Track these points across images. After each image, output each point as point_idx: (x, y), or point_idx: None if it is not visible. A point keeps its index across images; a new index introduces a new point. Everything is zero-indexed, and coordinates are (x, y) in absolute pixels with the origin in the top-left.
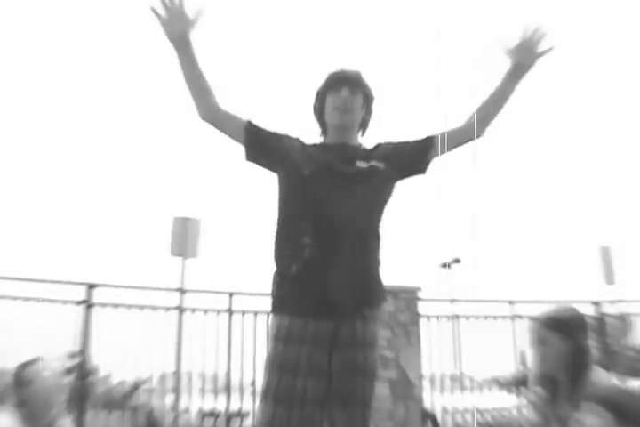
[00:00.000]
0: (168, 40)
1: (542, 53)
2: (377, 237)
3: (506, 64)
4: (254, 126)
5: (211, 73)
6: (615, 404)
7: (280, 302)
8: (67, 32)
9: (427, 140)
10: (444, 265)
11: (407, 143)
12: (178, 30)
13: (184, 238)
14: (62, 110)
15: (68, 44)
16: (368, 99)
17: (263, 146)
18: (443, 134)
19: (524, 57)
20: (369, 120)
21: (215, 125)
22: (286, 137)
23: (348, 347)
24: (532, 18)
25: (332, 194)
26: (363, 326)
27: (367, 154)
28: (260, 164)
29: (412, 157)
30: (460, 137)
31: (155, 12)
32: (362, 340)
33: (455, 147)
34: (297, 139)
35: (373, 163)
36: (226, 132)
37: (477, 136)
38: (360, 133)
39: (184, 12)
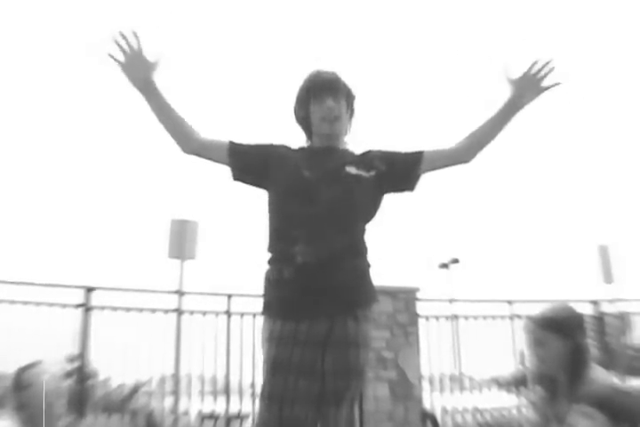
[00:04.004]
0: (132, 85)
1: (546, 88)
2: (364, 241)
3: (506, 93)
4: (237, 147)
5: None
6: (610, 403)
7: (271, 304)
8: (71, 35)
9: (417, 155)
10: (443, 265)
11: (398, 155)
12: (140, 75)
13: (182, 241)
14: (62, 114)
15: (70, 45)
16: (350, 99)
17: (249, 164)
18: (433, 152)
19: (527, 90)
20: (352, 118)
21: (200, 156)
22: (272, 146)
23: (341, 347)
24: (541, 51)
25: (323, 198)
26: (355, 327)
27: (356, 159)
28: (247, 183)
29: (401, 172)
30: (449, 158)
31: (113, 58)
32: (354, 340)
33: (443, 167)
34: (283, 146)
35: (363, 170)
36: (212, 160)
37: (466, 161)
38: (345, 135)
39: (143, 57)
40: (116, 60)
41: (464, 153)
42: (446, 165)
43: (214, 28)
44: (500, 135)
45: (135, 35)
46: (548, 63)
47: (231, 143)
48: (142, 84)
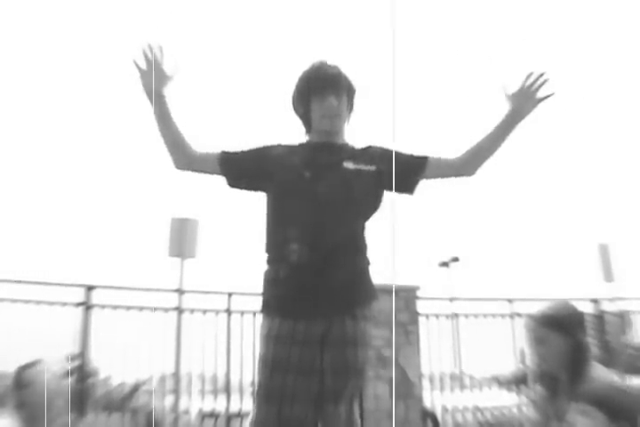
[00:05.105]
0: (144, 92)
1: (541, 100)
2: (364, 238)
3: (504, 108)
4: (228, 156)
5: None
6: (609, 402)
7: (269, 303)
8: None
9: (421, 160)
10: (443, 264)
11: (400, 155)
12: (154, 83)
13: (182, 239)
14: (62, 113)
15: (69, 42)
16: (350, 93)
17: (243, 170)
18: (438, 160)
19: (524, 103)
20: (351, 112)
21: (194, 170)
22: (267, 148)
23: (339, 345)
24: (535, 64)
25: (321, 195)
26: (353, 325)
27: (355, 154)
28: (243, 188)
29: (402, 175)
30: (451, 169)
31: (135, 64)
32: (352, 338)
33: (445, 177)
34: (279, 145)
35: (362, 165)
36: (205, 172)
37: (468, 174)
38: (345, 128)
39: (161, 67)
40: (138, 66)
41: (465, 166)
42: (448, 176)
43: (214, 28)
44: (501, 148)
45: (160, 48)
46: (541, 75)
47: (222, 153)
48: (153, 92)
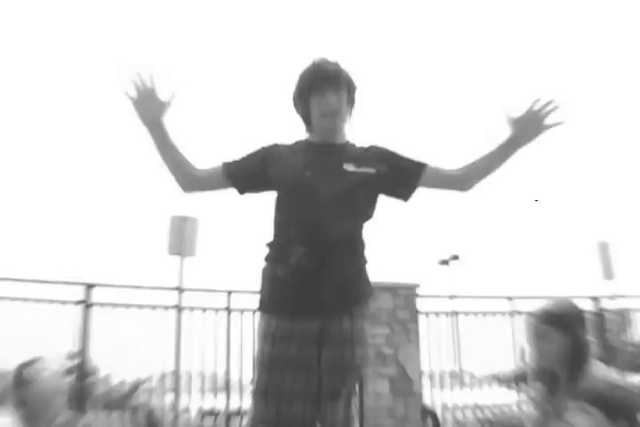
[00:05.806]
0: (140, 122)
1: (548, 127)
2: (362, 238)
3: (506, 132)
4: (231, 166)
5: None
6: (606, 399)
7: (266, 301)
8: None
9: (419, 167)
10: (443, 262)
11: (401, 159)
12: (149, 113)
13: (182, 237)
14: (61, 112)
15: (71, 42)
16: (351, 90)
17: (249, 176)
18: (435, 169)
19: (528, 129)
20: (352, 109)
21: (199, 189)
22: (265, 149)
23: (336, 344)
24: (544, 91)
25: (322, 197)
26: (350, 323)
27: (355, 155)
28: (255, 192)
29: (399, 179)
30: (446, 182)
31: (127, 94)
32: (349, 337)
33: (438, 188)
34: (277, 145)
35: (362, 165)
36: (212, 189)
37: (463, 190)
38: (346, 126)
39: (155, 95)
40: (129, 96)
41: (462, 182)
42: (442, 187)
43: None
44: (500, 169)
45: (151, 76)
46: (550, 102)
47: (225, 165)
48: (150, 123)
